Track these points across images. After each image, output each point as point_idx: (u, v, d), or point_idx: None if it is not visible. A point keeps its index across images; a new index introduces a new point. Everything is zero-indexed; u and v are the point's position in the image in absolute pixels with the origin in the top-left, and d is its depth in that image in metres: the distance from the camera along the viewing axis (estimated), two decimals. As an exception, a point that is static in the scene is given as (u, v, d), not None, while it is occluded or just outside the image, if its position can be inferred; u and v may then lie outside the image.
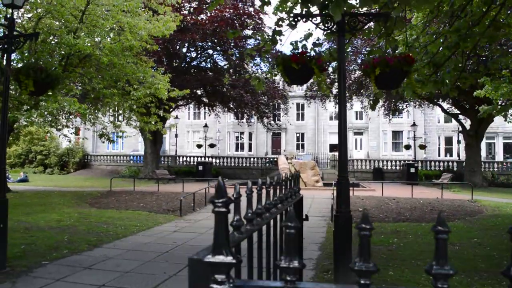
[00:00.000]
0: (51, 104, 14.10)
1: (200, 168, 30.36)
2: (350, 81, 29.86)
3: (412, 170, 28.64)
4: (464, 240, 9.89)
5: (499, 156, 45.25)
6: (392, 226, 11.65)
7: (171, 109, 24.34)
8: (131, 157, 41.43)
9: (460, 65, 8.42)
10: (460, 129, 32.94)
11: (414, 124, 33.72)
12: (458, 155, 36.89)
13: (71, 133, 19.72)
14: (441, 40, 8.69)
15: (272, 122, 33.78)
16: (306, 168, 24.79)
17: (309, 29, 8.55)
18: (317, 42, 7.16)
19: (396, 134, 47.55)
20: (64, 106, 14.17)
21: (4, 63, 6.93)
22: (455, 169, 33.39)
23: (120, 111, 18.17)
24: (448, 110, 31.25)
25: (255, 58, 30.53)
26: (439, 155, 46.21)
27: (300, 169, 24.64)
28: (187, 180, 28.16)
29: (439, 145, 47.13)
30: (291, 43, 7.75)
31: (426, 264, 1.06)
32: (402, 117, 45.11)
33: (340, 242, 5.82)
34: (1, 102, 6.41)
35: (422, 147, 35.90)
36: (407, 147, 35.06)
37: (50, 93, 6.80)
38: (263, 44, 7.94)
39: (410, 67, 5.78)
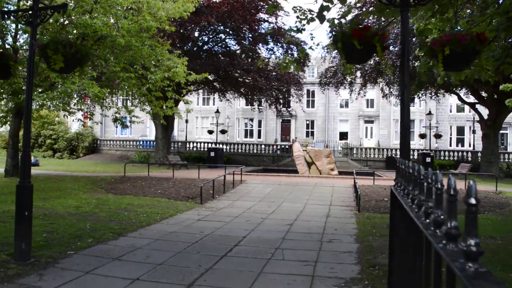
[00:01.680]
0: (69, 86, 13.57)
1: (212, 154, 29.81)
2: (366, 68, 29.10)
3: (428, 159, 28.00)
4: (503, 234, 9.35)
5: (511, 147, 44.55)
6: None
7: (182, 95, 23.78)
8: (140, 142, 40.97)
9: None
10: (477, 118, 32.24)
11: (429, 113, 33.00)
12: (473, 146, 36.16)
13: (87, 118, 19.16)
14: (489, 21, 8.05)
15: (284, 108, 33.12)
16: (321, 156, 24.23)
17: (348, 4, 7.89)
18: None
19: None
20: (83, 89, 13.60)
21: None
22: (469, 159, 32.73)
23: (136, 95, 17.57)
24: (465, 99, 30.47)
25: (268, 42, 29.90)
26: (450, 145, 45.51)
27: (315, 157, 24.14)
28: (200, 167, 27.69)
29: (451, 134, 46.39)
30: (328, 20, 7.17)
31: None
32: (413, 106, 44.27)
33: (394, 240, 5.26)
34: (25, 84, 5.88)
35: (438, 136, 35.16)
36: (422, 136, 34.36)
37: (79, 70, 6.21)
38: (305, 22, 7.33)
39: (483, 47, 5.18)
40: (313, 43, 26.33)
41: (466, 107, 46.20)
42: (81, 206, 11.03)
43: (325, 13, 6.64)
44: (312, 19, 7.23)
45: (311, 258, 6.99)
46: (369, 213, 11.94)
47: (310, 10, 7.18)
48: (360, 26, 5.18)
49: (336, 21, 7.34)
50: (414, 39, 16.59)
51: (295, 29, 7.82)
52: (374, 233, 9.05)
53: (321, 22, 6.84)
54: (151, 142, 38.91)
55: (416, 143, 45.31)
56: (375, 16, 7.80)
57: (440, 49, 5.18)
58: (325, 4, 6.55)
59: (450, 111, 46.88)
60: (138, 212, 10.60)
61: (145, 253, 6.92)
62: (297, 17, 7.68)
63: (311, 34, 12.19)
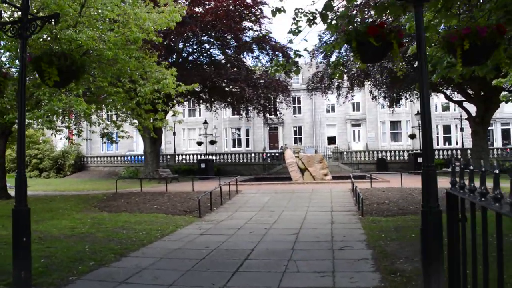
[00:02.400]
0: (55, 103, 13.10)
1: (202, 165, 29.44)
2: (353, 71, 29.07)
3: (420, 159, 27.92)
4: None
5: (498, 142, 44.98)
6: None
7: (170, 107, 23.39)
8: (128, 158, 40.35)
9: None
10: (464, 116, 32.38)
11: (418, 113, 32.95)
12: (462, 143, 36.33)
13: (73, 135, 18.60)
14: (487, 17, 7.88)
15: (272, 116, 32.88)
16: (313, 161, 23.99)
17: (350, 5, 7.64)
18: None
19: (395, 124, 47.00)
20: (71, 106, 13.13)
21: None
22: (458, 157, 32.84)
23: (123, 110, 17.10)
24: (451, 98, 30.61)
25: (254, 50, 29.70)
26: (437, 144, 45.74)
27: (307, 163, 23.89)
28: (191, 179, 27.23)
29: (437, 133, 46.68)
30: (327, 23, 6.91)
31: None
32: (400, 107, 44.50)
33: (429, 243, 4.96)
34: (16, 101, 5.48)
35: (427, 136, 35.22)
36: (412, 136, 34.46)
37: (74, 83, 5.83)
38: (306, 24, 7.07)
39: (503, 39, 4.95)
40: (304, 48, 26.24)
41: (451, 106, 46.69)
42: (76, 227, 10.54)
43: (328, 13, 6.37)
44: (313, 19, 6.97)
45: (327, 268, 6.66)
46: (373, 216, 11.67)
47: (312, 12, 6.91)
48: (375, 24, 4.91)
49: (333, 22, 7.11)
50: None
51: (294, 30, 7.56)
52: (384, 238, 8.77)
53: (324, 22, 6.59)
54: (139, 157, 38.35)
55: (404, 144, 45.51)
56: (375, 16, 7.55)
57: (459, 43, 4.94)
58: (328, 2, 6.28)
59: (436, 110, 47.17)
60: (136, 230, 10.16)
61: (152, 274, 6.51)
62: (294, 18, 7.43)
63: (305, 40, 11.85)
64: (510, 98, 15.27)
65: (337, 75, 9.03)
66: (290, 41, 7.80)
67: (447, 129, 47.50)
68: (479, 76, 8.76)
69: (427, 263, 4.98)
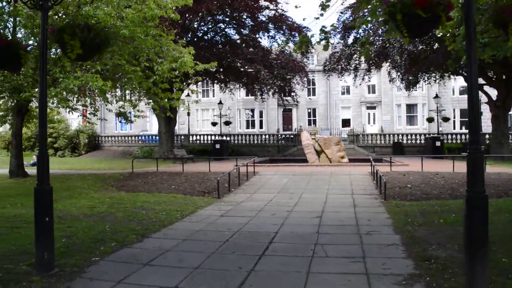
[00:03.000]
0: (71, 81, 12.88)
1: (217, 146, 29.20)
2: (371, 53, 28.39)
3: (438, 143, 27.46)
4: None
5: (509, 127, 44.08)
6: (455, 204, 10.53)
7: (186, 86, 23.10)
8: (142, 137, 40.29)
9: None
10: (484, 100, 31.61)
11: (436, 96, 32.43)
12: (480, 128, 35.52)
13: (89, 113, 18.44)
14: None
15: (288, 98, 32.40)
16: (330, 144, 23.64)
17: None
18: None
19: (411, 108, 46.20)
20: (86, 83, 12.89)
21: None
22: (477, 141, 32.12)
23: (140, 88, 16.83)
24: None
25: (270, 30, 29.10)
26: (454, 128, 44.96)
27: (324, 145, 23.56)
28: (205, 160, 27.07)
29: (454, 117, 45.82)
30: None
31: None
32: (416, 90, 43.55)
33: (475, 231, 4.65)
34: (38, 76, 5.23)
35: (445, 119, 34.62)
36: (430, 120, 33.80)
37: (97, 57, 5.55)
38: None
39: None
40: (331, 24, 25.54)
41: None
42: (95, 206, 10.40)
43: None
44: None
45: (357, 254, 6.41)
46: (396, 201, 11.37)
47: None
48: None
49: None
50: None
51: (324, 3, 7.18)
52: (410, 223, 8.48)
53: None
54: (153, 137, 38.25)
55: (420, 128, 44.79)
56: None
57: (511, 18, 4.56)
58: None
59: (453, 94, 46.26)
60: (156, 210, 9.98)
61: (176, 256, 6.31)
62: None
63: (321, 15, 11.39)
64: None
65: (364, 53, 8.63)
66: (321, 15, 7.41)
67: (464, 113, 46.45)
68: (504, 58, 8.32)
69: (473, 251, 4.68)
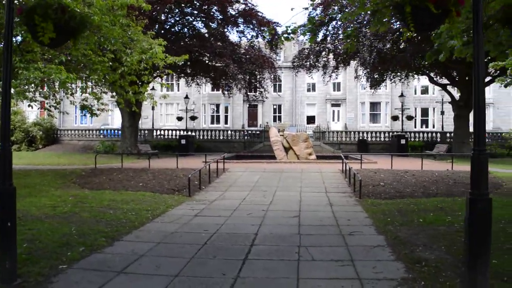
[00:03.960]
0: (32, 73, 12.00)
1: (183, 141, 28.55)
2: (339, 50, 28.44)
3: (403, 141, 27.84)
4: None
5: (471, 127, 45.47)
6: (429, 202, 10.49)
7: (153, 78, 22.31)
8: (103, 131, 38.95)
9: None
10: (446, 99, 32.34)
11: (402, 95, 32.81)
12: (442, 126, 36.37)
13: (50, 106, 17.34)
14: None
15: (257, 93, 32.04)
16: (298, 140, 23.44)
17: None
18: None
19: (374, 106, 46.82)
20: (49, 74, 12.05)
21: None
22: (438, 140, 32.90)
23: (107, 80, 15.98)
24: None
25: (239, 24, 28.61)
26: (415, 127, 45.87)
27: (292, 142, 23.35)
28: (171, 155, 26.38)
29: (415, 116, 46.71)
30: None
31: None
32: (380, 89, 44.13)
33: (477, 234, 4.41)
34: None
35: (410, 118, 35.21)
36: (395, 118, 34.24)
37: (72, 43, 4.97)
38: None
39: None
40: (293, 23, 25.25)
41: (430, 89, 46.84)
42: (58, 206, 9.67)
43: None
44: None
45: (344, 257, 6.11)
46: (371, 199, 11.22)
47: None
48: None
49: None
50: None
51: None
52: (391, 222, 8.29)
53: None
54: (115, 131, 37.09)
55: (383, 125, 45.49)
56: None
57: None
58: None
59: (415, 93, 47.23)
60: (125, 210, 9.37)
61: (153, 262, 5.81)
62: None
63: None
64: (508, 81, 14.88)
65: (349, 46, 8.36)
66: (312, 5, 7.05)
67: (425, 112, 47.69)
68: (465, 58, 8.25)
69: (474, 255, 4.43)
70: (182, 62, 27.85)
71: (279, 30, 27.61)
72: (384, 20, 7.49)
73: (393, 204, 10.42)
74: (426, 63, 28.23)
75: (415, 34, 6.51)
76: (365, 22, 21.82)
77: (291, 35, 8.40)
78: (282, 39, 8.29)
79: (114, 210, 9.35)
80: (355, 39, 8.33)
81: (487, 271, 4.46)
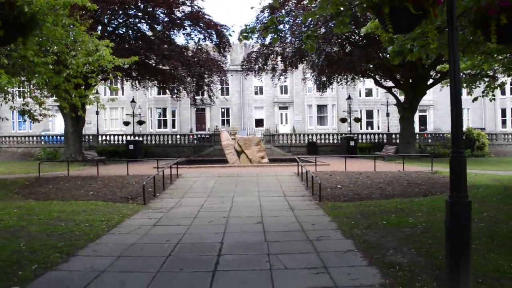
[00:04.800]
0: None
1: (131, 147, 27.61)
2: (287, 52, 28.62)
3: (352, 143, 28.38)
4: (478, 216, 9.00)
5: (415, 128, 47.30)
6: (388, 204, 10.63)
7: (100, 81, 21.40)
8: (44, 138, 36.99)
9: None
10: (391, 101, 33.38)
11: (349, 97, 33.48)
12: (388, 128, 37.49)
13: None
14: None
15: (205, 97, 31.61)
16: (251, 144, 23.30)
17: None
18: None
19: (321, 108, 47.60)
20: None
21: None
22: (385, 141, 33.86)
23: (50, 83, 15.04)
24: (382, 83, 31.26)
25: (185, 27, 28.10)
26: (361, 128, 47.09)
27: (244, 145, 23.18)
28: (118, 161, 25.46)
29: (361, 118, 48.02)
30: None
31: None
32: (326, 91, 44.97)
33: (458, 237, 4.36)
34: None
35: (357, 120, 36.01)
36: (343, 120, 34.86)
37: (22, 42, 4.48)
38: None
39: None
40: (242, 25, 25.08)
41: (374, 92, 48.29)
42: (2, 219, 8.87)
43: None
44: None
45: (317, 263, 5.95)
46: (331, 202, 11.22)
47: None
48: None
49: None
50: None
51: None
52: (355, 226, 8.25)
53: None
54: (57, 137, 35.35)
55: (330, 128, 46.33)
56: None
57: (496, 16, 4.35)
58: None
59: (360, 95, 48.52)
60: (77, 222, 8.75)
61: (116, 279, 5.37)
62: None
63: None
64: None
65: (309, 47, 8.25)
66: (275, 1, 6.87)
67: (370, 114, 49.12)
68: (409, 61, 8.35)
69: (456, 259, 4.39)
70: (128, 65, 27.05)
71: (226, 32, 27.45)
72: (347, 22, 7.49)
73: (354, 206, 10.45)
74: (371, 66, 29.11)
75: (393, 36, 6.46)
76: (319, 24, 22.01)
77: (250, 34, 8.23)
78: (241, 38, 8.11)
79: (66, 222, 8.71)
80: (315, 39, 8.20)
81: (469, 273, 4.43)
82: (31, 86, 15.91)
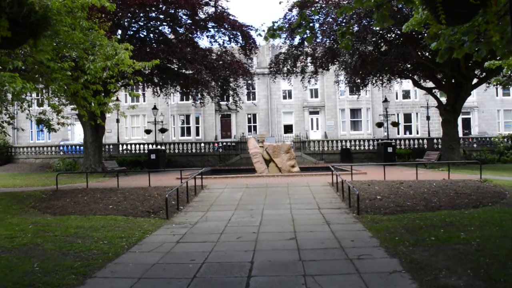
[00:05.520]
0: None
1: (153, 156, 27.61)
2: (318, 53, 28.26)
3: (390, 149, 27.67)
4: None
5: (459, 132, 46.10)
6: (435, 217, 10.11)
7: (120, 87, 21.56)
8: (62, 148, 37.55)
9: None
10: (432, 104, 32.50)
11: (386, 100, 32.82)
12: (429, 132, 36.61)
13: (2, 121, 16.34)
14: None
15: (230, 102, 31.48)
16: (280, 152, 22.96)
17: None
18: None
19: (355, 112, 46.90)
20: (2, 85, 11.16)
21: None
22: (425, 146, 33.01)
23: (69, 91, 15.13)
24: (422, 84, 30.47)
25: (209, 29, 28.11)
26: (398, 133, 46.16)
27: (273, 153, 22.89)
28: (142, 172, 25.54)
29: (398, 122, 47.10)
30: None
31: None
32: (360, 94, 44.30)
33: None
34: None
35: (395, 124, 35.22)
36: (379, 124, 34.20)
37: (32, 44, 4.32)
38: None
39: None
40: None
41: (412, 94, 47.38)
42: (16, 236, 8.82)
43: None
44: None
45: (360, 287, 5.56)
46: (370, 215, 10.76)
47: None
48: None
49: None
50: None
51: None
52: (400, 242, 7.81)
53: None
54: (76, 147, 35.82)
55: (365, 133, 45.57)
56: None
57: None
58: None
59: (396, 98, 47.62)
60: (95, 238, 8.61)
61: (136, 304, 5.13)
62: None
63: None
64: (505, 79, 14.77)
65: (344, 44, 7.95)
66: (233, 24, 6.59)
67: (407, 117, 48.14)
68: (451, 60, 7.91)
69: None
70: (149, 70, 27.23)
71: (252, 33, 27.32)
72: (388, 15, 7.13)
73: (396, 220, 10.00)
74: (409, 66, 28.44)
75: (444, 27, 6.07)
76: (352, 21, 21.60)
77: (278, 32, 8.01)
78: (267, 36, 7.90)
79: (83, 239, 8.58)
80: (352, 37, 7.86)
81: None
82: (49, 93, 16.05)
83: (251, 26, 27.16)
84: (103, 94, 17.32)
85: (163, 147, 32.85)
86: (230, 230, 9.58)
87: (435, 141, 33.25)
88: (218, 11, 26.89)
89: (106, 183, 19.03)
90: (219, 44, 28.44)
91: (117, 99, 29.32)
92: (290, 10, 26.00)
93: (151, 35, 28.39)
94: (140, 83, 31.38)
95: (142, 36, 28.40)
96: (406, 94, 48.41)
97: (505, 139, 32.52)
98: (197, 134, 48.01)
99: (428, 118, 37.16)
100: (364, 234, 8.82)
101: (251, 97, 48.51)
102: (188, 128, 48.23)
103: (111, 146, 35.54)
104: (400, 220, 9.91)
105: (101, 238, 8.66)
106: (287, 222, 10.23)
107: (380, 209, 11.44)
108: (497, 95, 47.29)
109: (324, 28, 25.02)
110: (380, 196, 13.07)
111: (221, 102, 33.18)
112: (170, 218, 11.10)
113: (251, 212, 11.76)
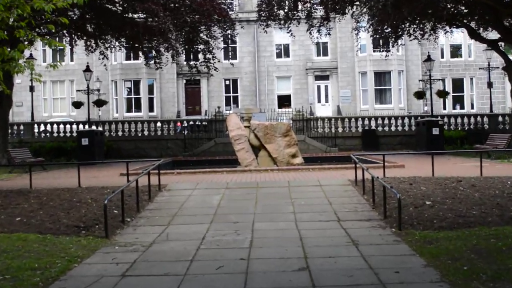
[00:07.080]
0: None
1: (85, 142, 27.06)
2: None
3: (435, 131, 27.28)
4: None
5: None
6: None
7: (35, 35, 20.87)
8: None
9: None
10: (498, 63, 32.19)
11: (429, 58, 32.42)
12: (491, 106, 36.41)
13: None
14: None
15: (202, 62, 31.07)
16: (274, 134, 22.56)
17: None
18: None
19: (381, 77, 46.70)
20: None
21: None
22: (485, 126, 32.88)
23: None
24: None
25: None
26: (444, 108, 46.14)
27: (265, 137, 22.43)
28: (67, 165, 24.97)
29: (446, 90, 47.04)
30: None
31: None
32: (389, 51, 43.84)
33: None
34: None
35: (442, 94, 34.96)
36: (420, 95, 33.87)
37: None
38: None
39: None
40: None
41: (464, 50, 47.21)
42: None
43: None
44: None
45: None
46: (418, 230, 10.42)
47: None
48: None
49: None
50: None
51: None
52: (473, 274, 7.34)
53: None
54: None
55: (395, 106, 45.34)
56: None
57: None
58: None
59: (442, 57, 47.45)
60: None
61: None
62: None
63: None
64: None
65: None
66: None
67: (458, 84, 48.02)
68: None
69: None
70: (79, 13, 26.54)
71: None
72: None
73: (459, 238, 9.63)
74: (463, 8, 27.94)
75: None
76: None
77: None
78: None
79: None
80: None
81: None
82: None
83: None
84: (9, 46, 16.72)
85: (100, 128, 32.57)
86: (205, 255, 9.17)
87: (500, 119, 33.17)
88: None
89: (13, 182, 18.96)
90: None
91: (31, 56, 28.70)
92: None
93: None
94: (66, 33, 30.70)
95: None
96: (456, 51, 48.33)
97: None
98: (151, 109, 47.70)
99: (490, 85, 36.97)
100: (413, 261, 8.43)
101: (231, 55, 48.06)
102: (138, 100, 47.88)
103: (21, 127, 35.52)
104: (465, 239, 9.55)
105: (1, 271, 8.00)
106: (292, 242, 9.93)
107: (432, 221, 11.17)
108: None
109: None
110: (430, 201, 12.86)
111: (186, 62, 32.65)
112: (112, 237, 10.75)
113: (236, 226, 11.54)
